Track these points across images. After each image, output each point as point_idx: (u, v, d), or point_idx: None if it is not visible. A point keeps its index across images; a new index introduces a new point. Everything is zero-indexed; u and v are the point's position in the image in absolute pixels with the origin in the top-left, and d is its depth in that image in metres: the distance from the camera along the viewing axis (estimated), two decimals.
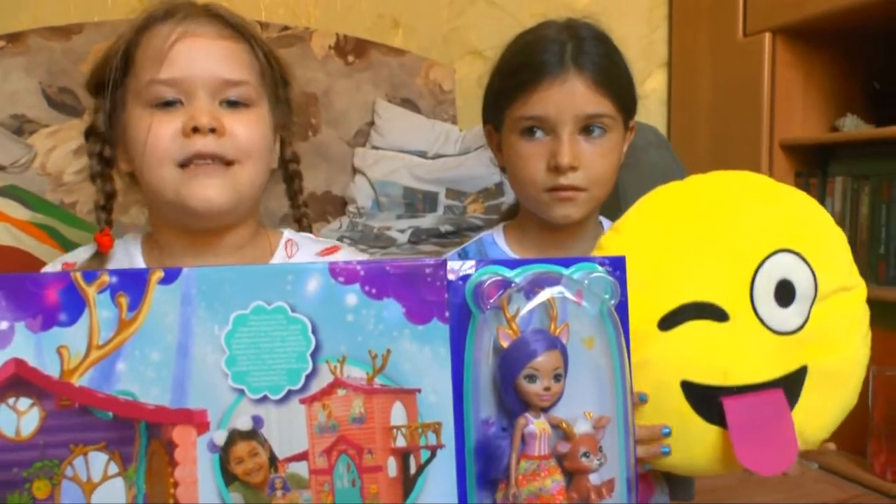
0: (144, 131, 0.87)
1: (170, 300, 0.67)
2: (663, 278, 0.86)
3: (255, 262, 0.94)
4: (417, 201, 1.91)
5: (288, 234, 0.98)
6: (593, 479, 0.73)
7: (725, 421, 0.86)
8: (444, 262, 0.70)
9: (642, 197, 0.90)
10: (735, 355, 0.86)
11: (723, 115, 2.37)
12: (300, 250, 0.98)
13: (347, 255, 0.99)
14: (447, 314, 0.69)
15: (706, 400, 0.86)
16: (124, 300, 0.67)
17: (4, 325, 0.67)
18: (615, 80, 0.97)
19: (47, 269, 0.95)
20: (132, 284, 0.68)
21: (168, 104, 0.88)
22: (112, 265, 0.94)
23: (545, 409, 0.72)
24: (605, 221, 1.05)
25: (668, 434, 0.85)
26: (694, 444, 0.87)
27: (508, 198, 1.86)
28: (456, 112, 2.25)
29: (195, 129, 0.86)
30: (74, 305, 0.67)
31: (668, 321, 0.86)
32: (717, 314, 0.86)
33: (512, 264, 0.74)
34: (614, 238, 0.88)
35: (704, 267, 0.87)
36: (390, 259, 0.74)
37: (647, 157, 1.28)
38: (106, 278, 0.68)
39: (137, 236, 0.97)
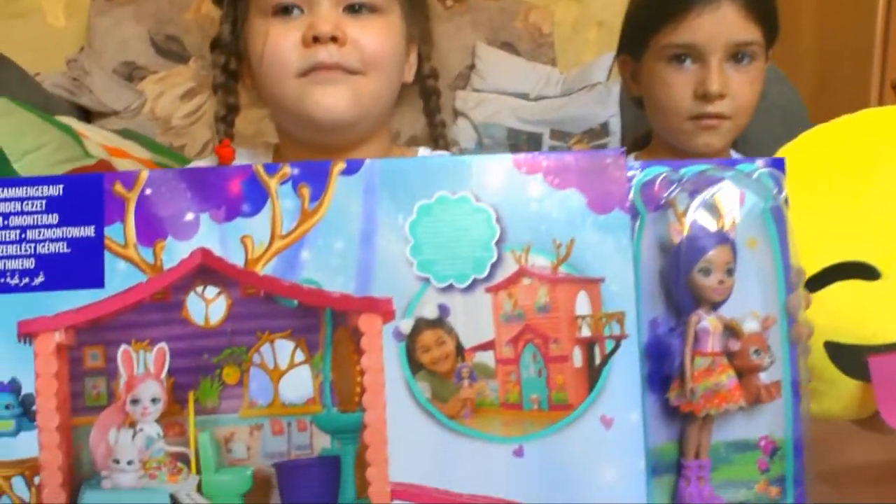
0: (262, 42, 0.84)
1: (352, 190, 0.67)
2: (808, 238, 0.79)
3: None
4: (521, 143, 1.91)
5: (423, 152, 0.97)
6: (762, 377, 0.73)
7: (869, 376, 0.83)
8: (624, 153, 0.70)
9: (781, 149, 0.87)
10: (885, 314, 0.83)
11: (828, 52, 2.21)
12: None
13: None
14: (628, 204, 0.69)
15: (850, 357, 0.84)
16: (306, 191, 0.68)
17: (190, 216, 0.67)
18: (764, 7, 0.97)
19: None
20: (314, 175, 0.68)
21: (286, 11, 0.84)
22: None
23: (715, 307, 0.73)
24: (735, 154, 1.06)
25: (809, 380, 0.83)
26: (832, 395, 0.86)
27: (614, 138, 1.85)
28: (555, 55, 2.24)
29: (315, 39, 0.82)
30: (257, 196, 0.68)
31: (814, 283, 0.83)
32: (867, 273, 0.83)
33: (676, 165, 0.74)
34: None
35: (854, 223, 0.83)
36: (572, 150, 0.74)
37: (767, 93, 1.27)
38: (287, 170, 0.68)
39: (269, 148, 0.96)
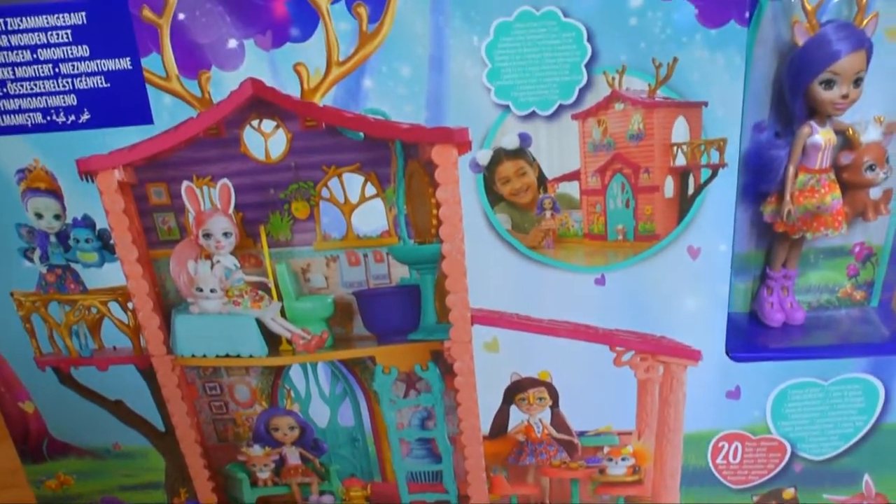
0: None
1: (417, 7, 0.57)
2: None
3: None
4: None
5: None
6: (873, 192, 0.67)
7: None
8: None
9: None
10: None
11: None
12: None
13: None
14: (746, 14, 0.57)
15: None
16: (363, 10, 0.57)
17: (233, 43, 0.59)
18: None
19: None
20: None
21: None
22: None
23: (831, 116, 0.64)
24: None
25: None
26: None
27: None
28: None
29: None
30: (306, 18, 0.58)
31: None
32: None
33: None
34: None
35: None
36: None
37: None
38: None
39: None
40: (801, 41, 0.60)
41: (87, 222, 0.65)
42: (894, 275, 0.70)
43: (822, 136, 0.63)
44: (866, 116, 0.64)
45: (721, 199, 0.62)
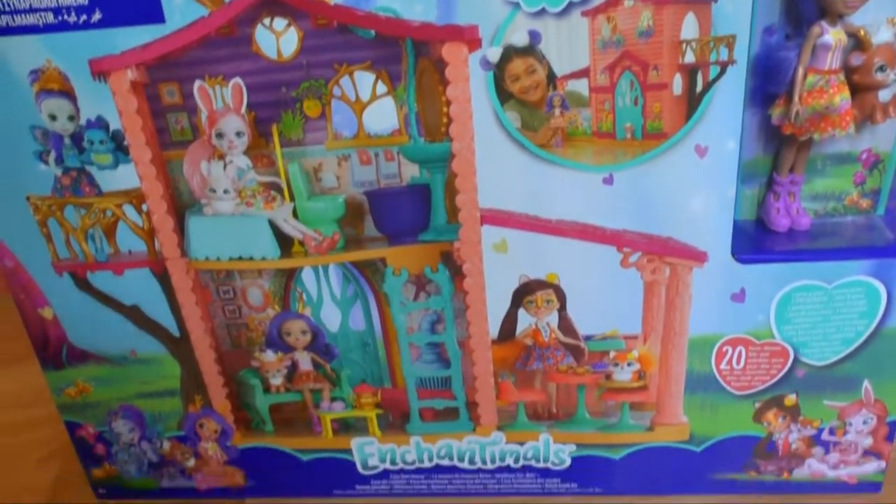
0: None
1: None
2: None
3: None
4: None
5: None
6: (882, 95, 0.67)
7: None
8: None
9: None
10: None
11: None
12: None
13: None
14: None
15: None
16: None
17: None
18: None
19: None
20: None
21: None
22: None
23: (842, 16, 0.64)
24: None
25: None
26: None
27: None
28: None
29: None
30: None
31: None
32: None
33: None
34: None
35: None
36: None
37: None
38: None
39: None
40: None
41: (101, 123, 0.66)
42: None
43: (832, 35, 0.63)
44: (878, 18, 0.64)
45: (729, 97, 0.62)
